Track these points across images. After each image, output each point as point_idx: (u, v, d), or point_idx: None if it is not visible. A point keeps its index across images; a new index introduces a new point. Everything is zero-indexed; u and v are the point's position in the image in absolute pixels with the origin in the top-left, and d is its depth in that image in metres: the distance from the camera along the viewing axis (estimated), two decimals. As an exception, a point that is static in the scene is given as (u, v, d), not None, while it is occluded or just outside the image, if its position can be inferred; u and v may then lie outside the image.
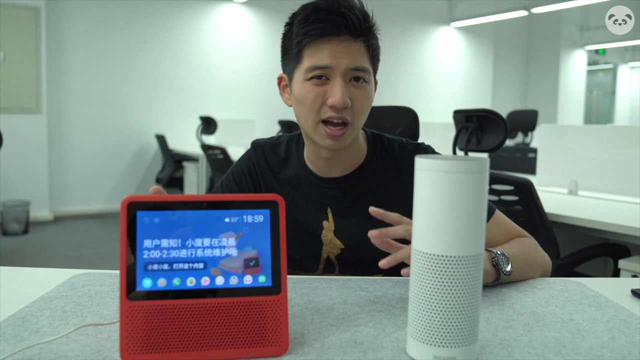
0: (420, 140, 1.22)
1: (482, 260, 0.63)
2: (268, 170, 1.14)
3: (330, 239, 1.09)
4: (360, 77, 0.98)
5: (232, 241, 0.65)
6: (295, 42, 0.99)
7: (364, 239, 1.09)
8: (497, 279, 0.90)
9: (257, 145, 1.17)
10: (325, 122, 0.99)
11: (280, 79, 1.08)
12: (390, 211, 1.08)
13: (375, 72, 1.05)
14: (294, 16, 1.01)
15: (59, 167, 5.88)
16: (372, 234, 0.80)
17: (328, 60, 0.96)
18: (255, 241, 0.65)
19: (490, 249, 0.91)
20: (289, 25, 1.02)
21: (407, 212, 0.65)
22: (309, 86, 0.98)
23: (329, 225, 1.09)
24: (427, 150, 1.12)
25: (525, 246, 1.01)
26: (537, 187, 2.04)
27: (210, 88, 6.76)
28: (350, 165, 1.09)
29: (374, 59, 1.03)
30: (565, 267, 2.08)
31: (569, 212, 2.10)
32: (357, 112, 0.99)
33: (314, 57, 0.97)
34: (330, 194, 1.09)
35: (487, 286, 0.92)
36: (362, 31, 0.97)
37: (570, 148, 2.79)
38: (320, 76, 0.97)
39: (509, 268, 0.90)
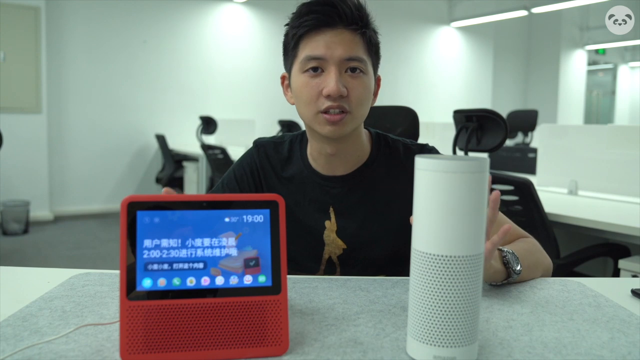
0: (419, 140, 1.21)
1: (482, 260, 0.63)
2: (270, 169, 1.13)
3: (332, 239, 1.08)
4: (356, 68, 0.98)
5: (232, 241, 0.65)
6: (290, 35, 1.01)
7: (366, 239, 1.08)
8: (507, 278, 0.91)
9: (260, 144, 1.16)
10: (324, 112, 0.99)
11: (282, 78, 1.09)
12: (393, 211, 1.08)
13: (375, 67, 1.05)
14: (292, 14, 1.02)
15: (59, 167, 5.88)
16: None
17: (322, 50, 0.97)
18: (255, 241, 0.65)
19: (500, 247, 0.91)
20: (288, 23, 1.03)
21: (410, 212, 0.65)
22: (305, 79, 0.99)
23: (331, 226, 1.08)
24: (432, 151, 1.11)
25: (531, 246, 1.02)
26: (537, 187, 2.04)
27: (210, 88, 6.75)
28: (354, 163, 1.08)
29: (372, 51, 1.02)
30: (565, 267, 2.08)
31: (569, 212, 2.10)
32: (355, 101, 0.98)
33: (309, 48, 0.98)
34: (333, 193, 1.08)
35: (496, 285, 0.92)
36: (354, 20, 0.98)
37: (570, 148, 2.79)
38: (316, 68, 0.98)
39: (519, 267, 0.90)
